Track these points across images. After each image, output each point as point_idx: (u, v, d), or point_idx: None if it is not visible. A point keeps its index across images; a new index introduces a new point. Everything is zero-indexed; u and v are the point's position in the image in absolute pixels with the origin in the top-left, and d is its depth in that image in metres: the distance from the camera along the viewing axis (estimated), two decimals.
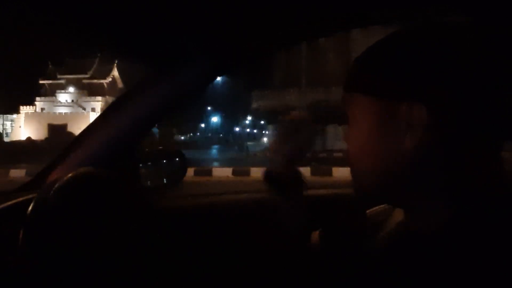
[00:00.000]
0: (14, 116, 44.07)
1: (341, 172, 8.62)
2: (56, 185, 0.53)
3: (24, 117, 42.73)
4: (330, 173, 9.04)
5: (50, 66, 44.24)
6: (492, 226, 0.37)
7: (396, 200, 0.47)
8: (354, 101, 0.46)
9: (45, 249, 0.50)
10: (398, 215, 0.50)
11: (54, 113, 42.33)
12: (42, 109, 43.11)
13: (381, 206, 0.56)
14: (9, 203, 0.67)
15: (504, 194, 0.40)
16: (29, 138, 32.67)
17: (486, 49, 0.41)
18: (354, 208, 0.59)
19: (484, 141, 0.41)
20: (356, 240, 0.55)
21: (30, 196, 0.64)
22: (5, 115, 44.06)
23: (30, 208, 0.53)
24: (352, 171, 0.48)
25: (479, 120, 0.40)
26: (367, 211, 0.59)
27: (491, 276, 0.34)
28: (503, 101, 0.40)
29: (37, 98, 43.59)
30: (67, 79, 42.90)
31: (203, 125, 55.99)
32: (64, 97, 42.86)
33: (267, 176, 0.71)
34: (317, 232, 0.69)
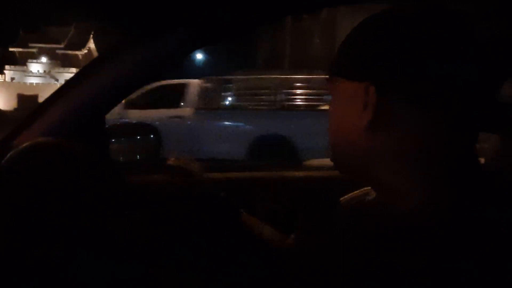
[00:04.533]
0: None
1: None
2: (9, 154, 0.48)
3: None
4: None
5: (21, 33, 42.02)
6: (467, 210, 0.37)
7: (368, 179, 0.48)
8: (334, 84, 0.48)
9: None
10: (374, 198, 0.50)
11: (25, 83, 40.50)
12: (12, 78, 41.18)
13: (356, 192, 0.56)
14: None
15: (478, 178, 0.40)
16: None
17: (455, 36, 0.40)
18: (326, 190, 0.60)
19: (456, 126, 0.40)
20: (328, 221, 0.55)
21: None
22: None
23: None
24: (330, 150, 0.50)
25: (450, 104, 0.39)
26: (341, 199, 0.58)
27: (463, 258, 0.34)
28: (473, 87, 0.40)
29: (6, 67, 41.52)
30: (39, 48, 40.97)
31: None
32: (36, 67, 40.99)
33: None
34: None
